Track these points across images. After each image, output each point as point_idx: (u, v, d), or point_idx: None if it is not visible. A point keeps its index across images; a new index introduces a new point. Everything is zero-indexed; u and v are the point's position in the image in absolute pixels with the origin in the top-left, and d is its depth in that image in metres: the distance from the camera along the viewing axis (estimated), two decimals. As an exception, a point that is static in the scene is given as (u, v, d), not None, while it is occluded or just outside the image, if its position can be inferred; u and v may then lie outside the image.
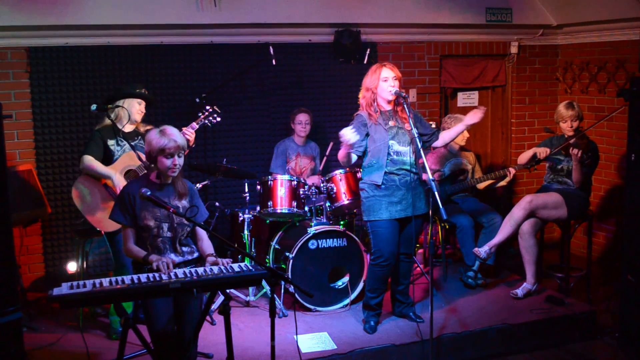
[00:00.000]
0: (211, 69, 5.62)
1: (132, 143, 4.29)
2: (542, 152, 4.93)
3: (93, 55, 5.28)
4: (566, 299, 4.80)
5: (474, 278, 5.11)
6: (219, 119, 4.72)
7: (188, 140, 4.42)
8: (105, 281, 2.95)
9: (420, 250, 5.87)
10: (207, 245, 3.42)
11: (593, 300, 5.01)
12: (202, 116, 4.66)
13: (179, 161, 3.30)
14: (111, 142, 4.29)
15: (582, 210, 4.96)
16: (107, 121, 4.31)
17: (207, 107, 4.72)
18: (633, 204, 4.24)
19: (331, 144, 5.41)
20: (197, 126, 4.53)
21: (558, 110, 4.98)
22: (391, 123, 4.21)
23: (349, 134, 3.95)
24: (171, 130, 3.31)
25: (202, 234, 3.44)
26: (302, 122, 5.43)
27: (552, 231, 6.53)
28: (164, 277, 3.03)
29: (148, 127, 4.41)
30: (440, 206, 3.68)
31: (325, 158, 5.40)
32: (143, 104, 4.41)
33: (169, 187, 3.36)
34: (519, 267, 5.09)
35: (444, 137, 4.47)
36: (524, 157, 5.10)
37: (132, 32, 5.33)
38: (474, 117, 4.35)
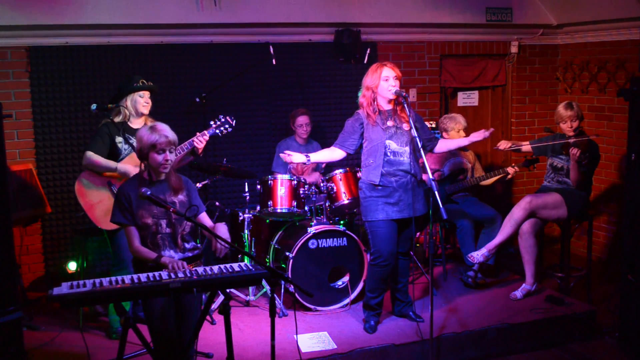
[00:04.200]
0: (211, 69, 5.62)
1: None
2: (503, 144, 5.07)
3: (93, 55, 5.28)
4: (566, 298, 4.80)
5: (474, 278, 5.10)
6: (230, 130, 4.54)
7: (197, 149, 4.37)
8: (105, 281, 2.96)
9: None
10: (209, 223, 3.43)
11: (593, 300, 5.01)
12: (214, 125, 4.49)
13: (171, 157, 3.29)
14: (119, 140, 4.22)
15: (582, 210, 4.96)
16: (116, 116, 4.25)
17: (221, 117, 4.53)
18: (633, 204, 4.24)
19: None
20: (208, 135, 4.40)
21: (557, 111, 4.98)
22: (389, 123, 4.20)
23: (288, 158, 4.30)
24: (162, 126, 3.31)
25: (203, 219, 3.46)
26: (302, 125, 5.42)
27: (552, 231, 6.53)
28: (164, 276, 3.03)
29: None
30: (441, 206, 3.68)
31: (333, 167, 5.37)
32: (147, 94, 4.29)
33: (163, 183, 3.35)
34: (519, 267, 5.09)
35: (442, 145, 4.49)
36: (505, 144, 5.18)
37: (132, 32, 5.32)
38: (480, 136, 4.41)
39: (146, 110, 4.31)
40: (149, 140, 3.24)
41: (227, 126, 4.53)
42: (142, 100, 4.27)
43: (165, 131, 3.28)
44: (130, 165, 4.14)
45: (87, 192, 4.19)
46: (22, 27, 4.96)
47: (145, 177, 3.35)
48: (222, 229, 3.36)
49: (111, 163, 4.17)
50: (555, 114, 5.01)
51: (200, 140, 4.34)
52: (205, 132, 4.42)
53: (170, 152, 3.29)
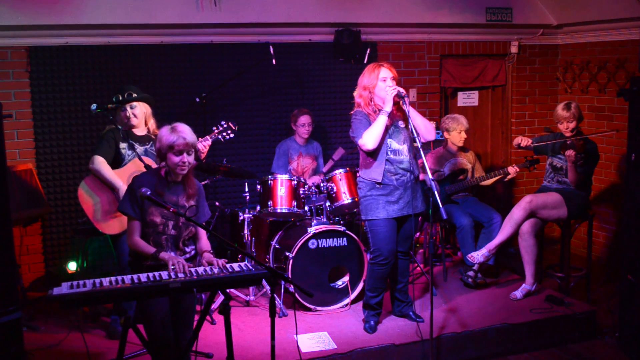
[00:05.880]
0: (211, 69, 5.62)
1: (143, 147, 4.24)
2: (524, 141, 5.00)
3: (93, 55, 5.28)
4: (566, 298, 4.80)
5: (474, 278, 5.10)
6: (232, 136, 4.59)
7: (200, 153, 4.37)
8: (105, 281, 2.95)
9: (421, 250, 5.87)
10: (205, 244, 3.42)
11: (593, 300, 5.01)
12: (217, 131, 4.52)
13: (188, 159, 3.28)
14: (123, 145, 4.22)
15: (582, 210, 4.96)
16: (122, 121, 4.26)
17: (223, 122, 4.56)
18: (633, 204, 4.24)
19: (342, 151, 5.39)
20: (211, 140, 4.43)
21: (555, 112, 4.99)
22: (387, 121, 4.18)
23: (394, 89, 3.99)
24: (182, 127, 3.29)
25: (202, 233, 3.44)
26: (304, 125, 5.41)
27: (552, 231, 6.53)
28: (164, 276, 3.03)
29: (158, 132, 4.37)
30: (440, 206, 3.68)
31: (331, 162, 5.36)
32: (127, 107, 4.23)
33: (179, 185, 3.34)
34: (519, 267, 5.09)
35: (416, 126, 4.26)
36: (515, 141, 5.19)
37: (132, 32, 5.33)
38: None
39: (134, 123, 4.25)
40: (167, 141, 3.23)
41: (229, 132, 4.58)
42: (123, 115, 4.25)
43: (185, 133, 3.25)
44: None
45: (89, 196, 4.18)
46: (22, 27, 4.97)
47: (162, 175, 3.34)
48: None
49: (116, 180, 4.13)
50: (554, 114, 5.01)
51: (203, 145, 4.36)
52: (208, 137, 4.44)
53: (189, 154, 3.28)
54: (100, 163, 4.13)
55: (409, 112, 4.04)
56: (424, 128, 4.19)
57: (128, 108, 4.24)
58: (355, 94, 4.28)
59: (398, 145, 4.20)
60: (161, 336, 3.22)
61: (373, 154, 4.18)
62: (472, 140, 6.57)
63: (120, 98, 4.22)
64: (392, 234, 4.23)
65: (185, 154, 3.26)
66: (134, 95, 4.23)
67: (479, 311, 4.67)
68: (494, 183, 5.52)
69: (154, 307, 3.21)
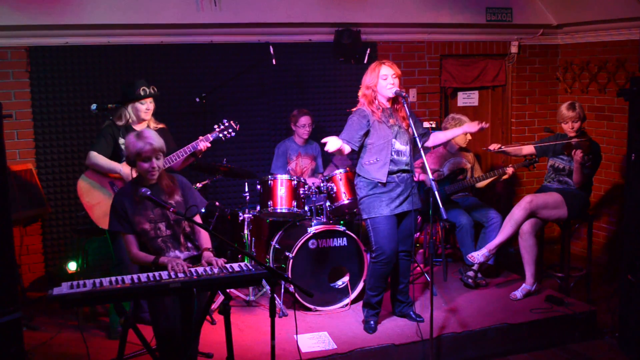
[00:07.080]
0: (211, 69, 5.62)
1: None
2: (493, 145, 5.09)
3: (93, 55, 5.28)
4: (566, 298, 4.80)
5: (474, 278, 5.10)
6: (233, 134, 4.59)
7: (199, 151, 4.39)
8: (106, 281, 2.96)
9: (421, 250, 5.87)
10: (205, 239, 3.42)
11: (593, 300, 5.00)
12: (218, 129, 4.53)
13: (158, 164, 3.29)
14: (122, 141, 4.23)
15: (582, 210, 4.96)
16: (121, 118, 4.27)
17: (225, 121, 4.57)
18: (633, 204, 4.24)
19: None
20: (212, 138, 4.44)
21: (560, 111, 4.98)
22: (391, 121, 4.21)
23: (331, 144, 4.04)
24: (148, 133, 3.31)
25: (199, 228, 3.44)
26: (304, 125, 5.41)
27: (552, 231, 6.53)
28: (164, 276, 3.03)
29: (160, 126, 4.37)
30: (440, 206, 3.68)
31: (333, 167, 5.37)
32: (148, 101, 4.29)
33: (155, 187, 3.35)
34: (519, 267, 5.09)
35: (438, 136, 4.49)
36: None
37: (132, 32, 5.33)
38: (474, 127, 4.42)
39: (147, 117, 4.33)
40: (135, 148, 3.24)
41: (230, 130, 4.57)
42: (143, 108, 4.28)
43: (151, 139, 3.26)
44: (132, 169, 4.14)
45: (88, 191, 4.20)
46: (22, 27, 4.97)
47: (137, 182, 3.34)
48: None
49: (115, 165, 4.18)
50: (558, 114, 5.01)
51: (203, 146, 4.37)
52: (209, 135, 4.44)
53: (157, 159, 3.29)
54: (95, 157, 4.17)
55: (408, 112, 4.07)
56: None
57: (147, 101, 4.27)
58: (359, 93, 4.30)
59: (402, 146, 4.22)
60: (169, 334, 3.22)
61: (377, 154, 4.19)
62: (472, 141, 6.55)
63: (142, 92, 4.22)
64: (394, 231, 4.24)
65: (154, 160, 3.26)
66: (150, 90, 4.26)
67: (479, 311, 4.67)
68: (490, 184, 5.52)
69: (165, 306, 3.22)
